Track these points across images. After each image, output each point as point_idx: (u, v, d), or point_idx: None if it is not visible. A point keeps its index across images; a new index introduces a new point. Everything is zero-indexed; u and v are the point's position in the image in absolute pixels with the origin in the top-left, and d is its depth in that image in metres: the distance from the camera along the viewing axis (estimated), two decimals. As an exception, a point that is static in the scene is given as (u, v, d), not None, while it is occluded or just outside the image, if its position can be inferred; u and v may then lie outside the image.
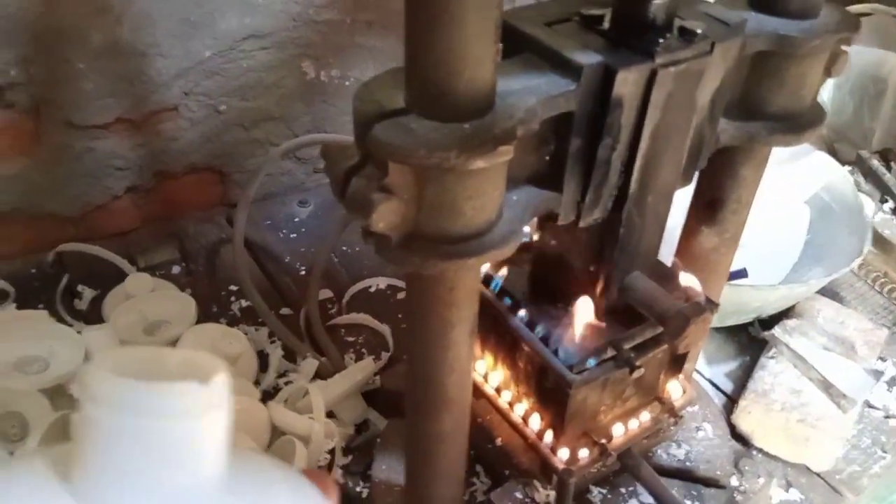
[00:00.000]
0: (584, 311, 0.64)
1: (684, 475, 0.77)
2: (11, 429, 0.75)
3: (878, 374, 0.90)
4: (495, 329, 0.70)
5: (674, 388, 0.74)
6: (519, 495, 0.71)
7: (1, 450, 0.72)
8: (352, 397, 0.85)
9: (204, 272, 1.01)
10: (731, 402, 0.89)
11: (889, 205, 1.17)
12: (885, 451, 0.86)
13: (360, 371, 0.85)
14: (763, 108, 0.61)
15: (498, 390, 0.73)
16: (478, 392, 0.72)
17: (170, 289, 0.95)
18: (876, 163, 1.21)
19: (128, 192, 1.06)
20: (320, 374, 0.87)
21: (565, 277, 0.67)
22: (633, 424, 0.71)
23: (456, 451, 0.64)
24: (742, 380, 0.91)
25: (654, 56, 0.51)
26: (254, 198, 0.93)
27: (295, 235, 1.09)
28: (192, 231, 1.07)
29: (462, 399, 0.60)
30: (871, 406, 0.90)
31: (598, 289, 0.64)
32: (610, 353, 0.64)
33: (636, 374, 0.64)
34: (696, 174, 0.64)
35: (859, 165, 1.22)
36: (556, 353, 0.65)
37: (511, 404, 0.72)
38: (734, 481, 0.81)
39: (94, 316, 0.92)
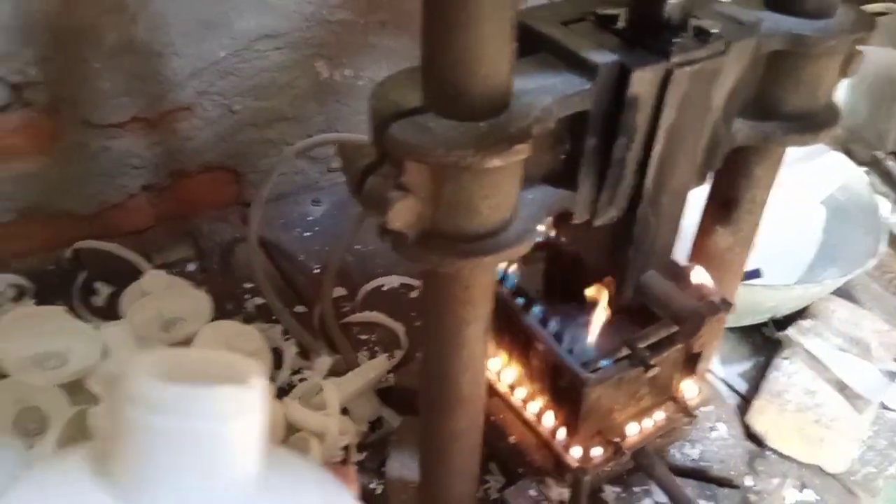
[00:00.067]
0: (598, 311, 0.64)
1: (698, 475, 0.77)
2: (30, 423, 0.76)
3: (893, 376, 0.90)
4: (509, 327, 0.70)
5: (688, 388, 0.74)
6: (533, 493, 0.71)
7: (20, 444, 0.73)
8: (365, 395, 0.85)
9: (219, 270, 1.02)
10: (745, 402, 0.89)
11: (904, 205, 1.16)
12: (900, 453, 0.86)
13: (373, 369, 0.86)
14: (778, 107, 0.61)
15: (511, 388, 0.73)
16: (491, 390, 0.73)
17: (185, 286, 0.95)
18: (891, 163, 1.20)
19: (143, 190, 1.07)
20: (334, 372, 0.87)
21: (579, 276, 0.67)
22: (648, 423, 0.72)
23: (470, 448, 0.64)
24: (756, 380, 0.91)
25: (670, 55, 0.51)
26: (268, 197, 0.94)
27: (308, 234, 1.10)
28: (206, 230, 1.08)
29: (476, 397, 0.60)
30: (886, 408, 0.90)
31: (613, 288, 0.64)
32: (624, 351, 0.64)
33: (651, 373, 0.64)
34: (711, 174, 0.64)
35: (875, 166, 1.21)
36: (570, 351, 0.65)
37: (525, 402, 0.72)
38: (748, 481, 0.80)
39: (110, 312, 0.93)
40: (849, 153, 1.17)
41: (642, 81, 0.51)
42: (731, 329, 0.97)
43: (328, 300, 0.92)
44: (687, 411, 0.73)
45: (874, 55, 1.17)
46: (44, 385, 0.76)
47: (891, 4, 1.34)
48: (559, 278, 0.70)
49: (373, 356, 0.91)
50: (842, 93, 1.27)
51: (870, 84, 1.26)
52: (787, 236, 1.00)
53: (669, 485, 0.70)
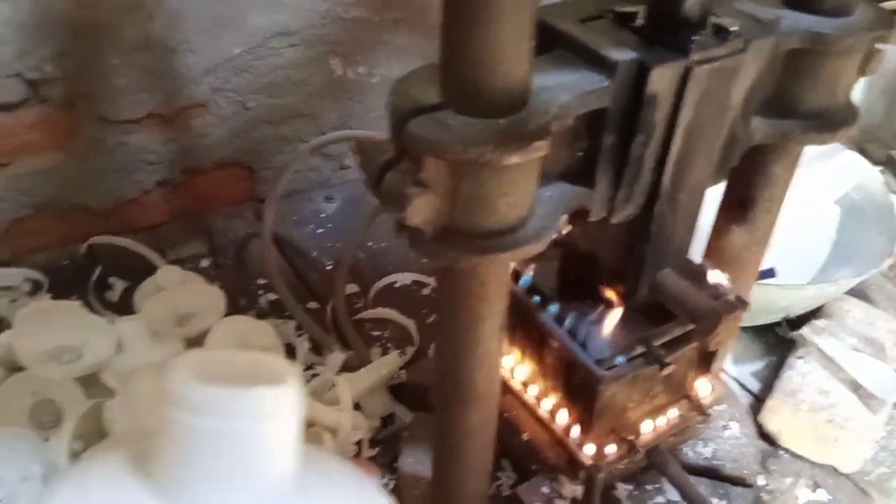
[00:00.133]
0: (613, 308, 0.64)
1: (711, 473, 0.76)
2: (45, 416, 0.77)
3: (907, 376, 0.89)
4: (523, 324, 0.70)
5: (702, 386, 0.74)
6: (546, 490, 0.71)
7: (35, 436, 0.74)
8: (378, 391, 0.85)
9: (232, 266, 1.03)
10: (758, 401, 0.89)
11: (920, 205, 1.16)
12: (914, 454, 0.85)
13: (385, 365, 0.86)
14: (797, 105, 0.61)
15: (525, 385, 0.73)
16: (504, 387, 0.73)
17: (199, 282, 0.96)
18: (907, 163, 1.19)
19: (158, 186, 1.07)
20: (346, 368, 0.88)
21: (594, 274, 0.67)
22: (661, 421, 0.71)
23: (483, 445, 0.64)
24: (769, 380, 0.91)
25: (689, 53, 0.51)
26: (281, 193, 0.94)
27: (321, 231, 1.10)
28: (220, 226, 1.09)
29: (490, 393, 0.60)
30: (900, 408, 0.90)
31: (628, 285, 0.64)
32: (639, 349, 0.64)
33: (666, 371, 0.64)
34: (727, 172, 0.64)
35: (890, 166, 1.20)
36: (584, 348, 0.65)
37: (538, 399, 0.72)
38: (761, 480, 0.80)
39: (124, 307, 0.94)
40: (864, 152, 1.16)
41: (661, 79, 0.51)
42: (744, 328, 0.97)
43: (341, 296, 0.92)
44: (701, 410, 0.73)
45: (892, 54, 1.16)
46: (60, 378, 0.77)
47: (908, 3, 1.33)
48: (573, 276, 0.69)
49: (385, 353, 0.91)
50: (857, 92, 1.26)
51: (886, 83, 1.26)
52: (802, 236, 1.00)
53: (683, 483, 0.69)
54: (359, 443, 0.80)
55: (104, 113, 0.98)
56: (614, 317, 0.65)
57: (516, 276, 0.71)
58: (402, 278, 1.03)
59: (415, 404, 0.84)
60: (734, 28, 0.52)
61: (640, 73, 0.51)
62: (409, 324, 0.96)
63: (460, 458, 0.64)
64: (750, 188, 0.68)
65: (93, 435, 0.75)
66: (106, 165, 1.02)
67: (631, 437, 0.69)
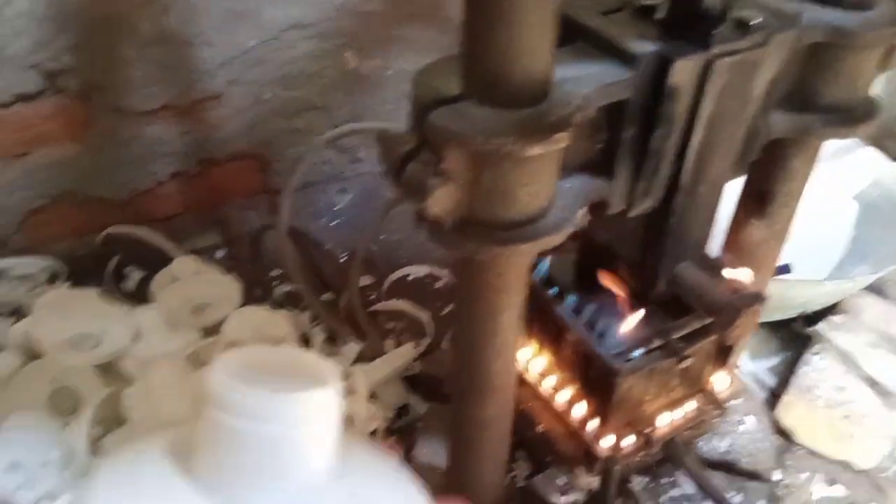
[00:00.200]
0: (630, 302, 0.64)
1: (726, 467, 0.76)
2: (64, 403, 0.78)
3: (924, 373, 0.89)
4: (539, 316, 0.70)
5: (718, 380, 0.74)
6: (561, 482, 0.72)
7: (54, 422, 0.75)
8: (392, 382, 0.86)
9: (247, 257, 1.03)
10: (774, 396, 0.88)
11: (937, 201, 1.15)
12: (931, 451, 0.85)
13: (400, 356, 0.87)
14: (817, 99, 0.61)
15: (541, 377, 0.73)
16: (520, 379, 0.73)
17: (214, 272, 0.96)
18: (925, 159, 1.18)
19: (172, 177, 1.08)
20: (360, 359, 0.88)
21: (612, 266, 0.67)
22: (678, 415, 0.71)
23: (499, 436, 0.64)
24: (784, 375, 0.90)
25: (710, 46, 0.51)
26: (295, 186, 0.95)
27: (335, 223, 1.11)
28: (234, 218, 1.09)
29: (507, 385, 0.60)
30: (916, 405, 0.89)
31: (646, 278, 0.64)
32: (657, 342, 0.64)
33: (684, 364, 0.64)
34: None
35: (907, 162, 1.19)
36: (601, 341, 0.65)
37: (554, 391, 0.72)
38: (776, 475, 0.80)
39: (140, 296, 0.94)
40: (882, 149, 1.15)
41: (682, 71, 0.51)
42: (760, 324, 0.97)
43: (355, 288, 0.92)
44: (717, 404, 0.73)
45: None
46: (78, 365, 0.77)
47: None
48: (591, 268, 0.69)
49: (399, 344, 0.91)
50: (876, 88, 1.25)
51: (904, 79, 1.25)
52: (819, 232, 0.99)
53: (699, 475, 0.70)
54: (374, 432, 0.80)
55: (120, 104, 0.98)
56: (632, 310, 0.64)
57: (533, 268, 0.71)
58: (416, 271, 1.03)
59: (429, 395, 0.85)
60: (756, 21, 0.52)
61: (662, 66, 0.50)
62: (423, 316, 0.96)
63: (476, 448, 0.64)
64: (769, 182, 0.67)
65: (111, 422, 0.75)
66: (121, 156, 1.02)
67: (647, 430, 0.69)
